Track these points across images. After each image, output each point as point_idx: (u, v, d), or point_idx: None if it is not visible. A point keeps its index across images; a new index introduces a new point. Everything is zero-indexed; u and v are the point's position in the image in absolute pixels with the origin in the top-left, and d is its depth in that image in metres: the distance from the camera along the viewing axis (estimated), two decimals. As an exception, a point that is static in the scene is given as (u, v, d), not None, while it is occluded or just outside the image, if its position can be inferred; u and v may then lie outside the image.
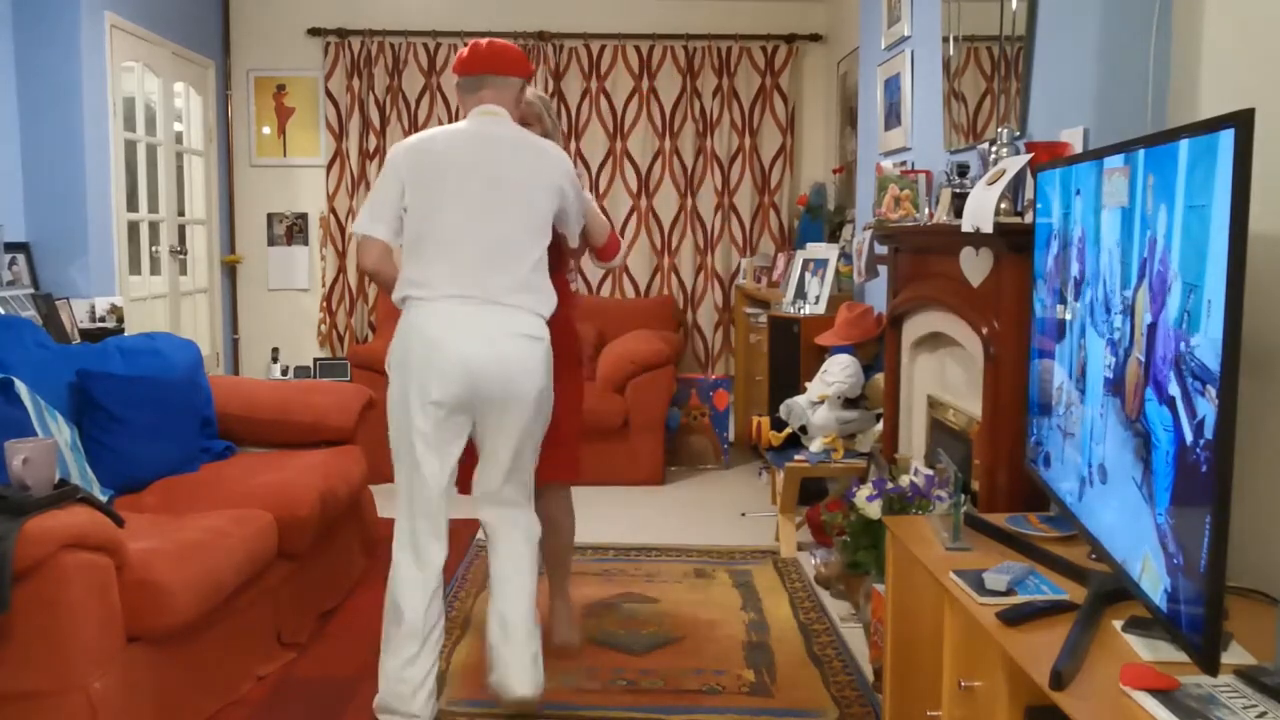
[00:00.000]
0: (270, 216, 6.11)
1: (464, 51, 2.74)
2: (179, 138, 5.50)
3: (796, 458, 3.87)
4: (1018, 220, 2.42)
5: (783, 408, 4.04)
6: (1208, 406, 1.32)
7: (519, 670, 2.60)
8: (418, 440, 2.55)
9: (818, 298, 4.61)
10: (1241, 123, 1.28)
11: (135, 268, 4.99)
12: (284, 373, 5.81)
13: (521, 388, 2.53)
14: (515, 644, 2.61)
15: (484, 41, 2.75)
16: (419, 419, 2.52)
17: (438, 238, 2.54)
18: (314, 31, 5.95)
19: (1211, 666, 1.32)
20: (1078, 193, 1.91)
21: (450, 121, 5.92)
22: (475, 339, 2.49)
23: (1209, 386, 1.32)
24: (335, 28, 5.92)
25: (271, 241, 6.13)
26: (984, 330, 2.61)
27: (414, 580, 2.59)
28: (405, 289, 2.55)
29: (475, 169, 2.58)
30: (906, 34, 4.00)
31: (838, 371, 3.95)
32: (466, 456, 2.73)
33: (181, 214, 5.49)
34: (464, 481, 2.84)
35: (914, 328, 3.31)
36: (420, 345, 2.49)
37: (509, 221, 2.57)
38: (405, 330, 2.53)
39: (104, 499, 2.73)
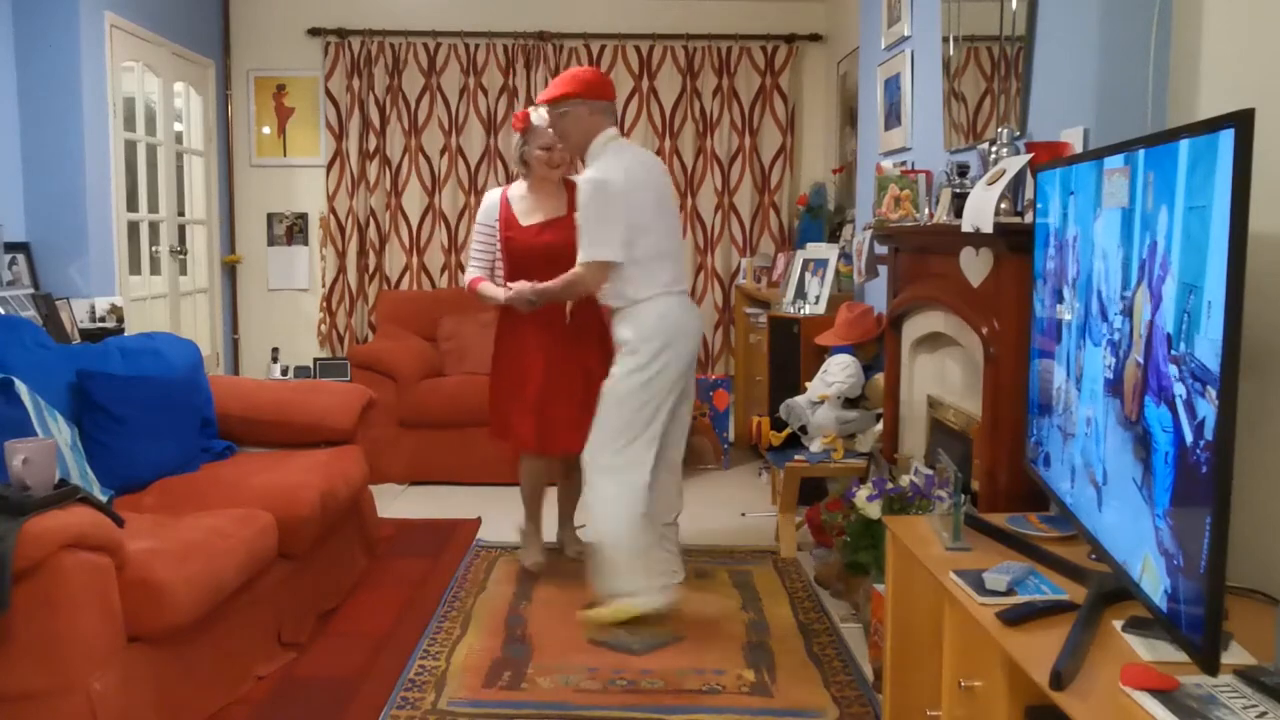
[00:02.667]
0: (270, 216, 6.11)
1: (593, 76, 3.38)
2: (179, 138, 5.50)
3: (796, 458, 3.87)
4: (1018, 220, 2.42)
5: (783, 408, 4.04)
6: (1208, 407, 1.32)
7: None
8: (668, 400, 3.28)
9: (818, 298, 4.61)
10: (1241, 123, 1.28)
11: (135, 268, 4.99)
12: (284, 373, 5.81)
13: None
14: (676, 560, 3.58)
15: (596, 70, 3.47)
16: (673, 382, 3.27)
17: (661, 248, 3.31)
18: (314, 31, 5.95)
19: (1211, 666, 1.32)
20: (1074, 193, 1.91)
21: (450, 122, 5.95)
22: (697, 321, 3.45)
23: (1209, 387, 1.32)
24: (335, 28, 5.92)
25: (271, 241, 6.13)
26: (984, 330, 2.61)
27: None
28: (651, 288, 3.25)
29: (664, 190, 3.45)
30: (906, 34, 4.00)
31: (838, 371, 3.95)
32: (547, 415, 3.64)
33: (181, 214, 5.50)
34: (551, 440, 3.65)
35: (914, 328, 3.31)
36: (676, 328, 3.27)
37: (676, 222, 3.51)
38: (669, 315, 3.27)
39: (104, 499, 2.73)
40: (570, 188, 3.66)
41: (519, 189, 3.76)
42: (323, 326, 6.04)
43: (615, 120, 3.37)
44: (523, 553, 3.85)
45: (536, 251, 3.62)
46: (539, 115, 3.63)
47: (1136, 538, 1.56)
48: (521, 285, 3.47)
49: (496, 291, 3.63)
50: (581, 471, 3.41)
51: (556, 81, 3.36)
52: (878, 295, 4.08)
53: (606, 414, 3.24)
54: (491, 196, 3.78)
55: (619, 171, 3.20)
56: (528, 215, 3.69)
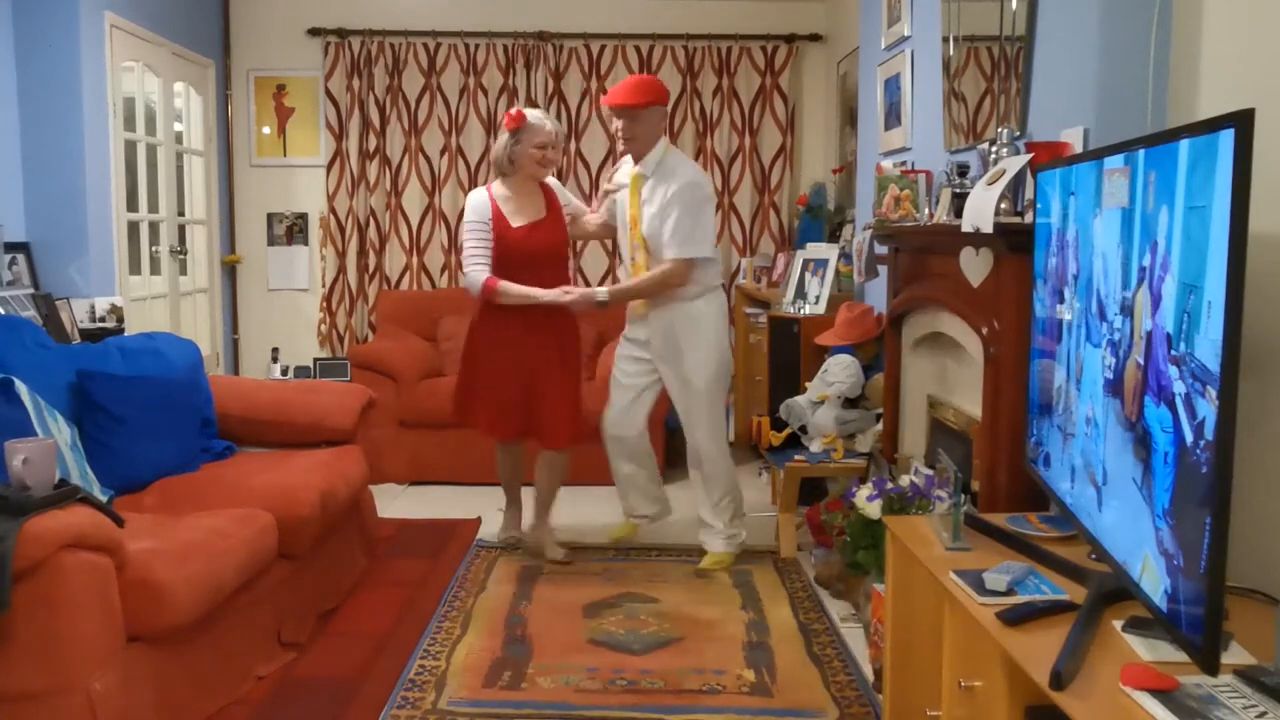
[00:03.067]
0: (270, 216, 6.11)
1: (659, 83, 3.72)
2: (179, 138, 5.50)
3: (796, 458, 3.87)
4: (1018, 220, 2.42)
5: (783, 408, 4.04)
6: (1208, 407, 1.32)
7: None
8: None
9: (818, 298, 4.61)
10: (1241, 123, 1.28)
11: (135, 268, 4.99)
12: (284, 373, 5.81)
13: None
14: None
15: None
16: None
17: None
18: (314, 31, 5.94)
19: (1211, 666, 1.32)
20: (1074, 193, 1.91)
21: (450, 122, 5.94)
22: None
23: (1209, 387, 1.32)
24: (335, 28, 5.92)
25: (271, 241, 6.13)
26: (984, 330, 2.61)
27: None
28: (717, 279, 3.81)
29: None
30: (906, 34, 4.00)
31: (838, 371, 3.95)
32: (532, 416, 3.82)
33: (181, 214, 5.49)
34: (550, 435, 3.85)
35: (914, 328, 3.31)
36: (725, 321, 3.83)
37: None
38: (723, 309, 3.80)
39: (104, 499, 2.73)
40: (546, 190, 3.81)
41: (501, 189, 3.76)
42: (323, 326, 6.04)
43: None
44: (502, 527, 4.11)
45: (525, 253, 3.68)
46: (536, 115, 3.69)
47: (1136, 538, 1.56)
48: (585, 290, 3.69)
49: (534, 291, 3.65)
50: (558, 462, 3.87)
51: (636, 87, 3.61)
52: (878, 295, 4.08)
53: (711, 403, 3.75)
54: (480, 195, 3.77)
55: (703, 175, 3.72)
56: (515, 216, 3.72)
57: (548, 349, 3.75)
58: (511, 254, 3.68)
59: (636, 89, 3.60)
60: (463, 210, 3.92)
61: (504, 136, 3.72)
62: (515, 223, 3.70)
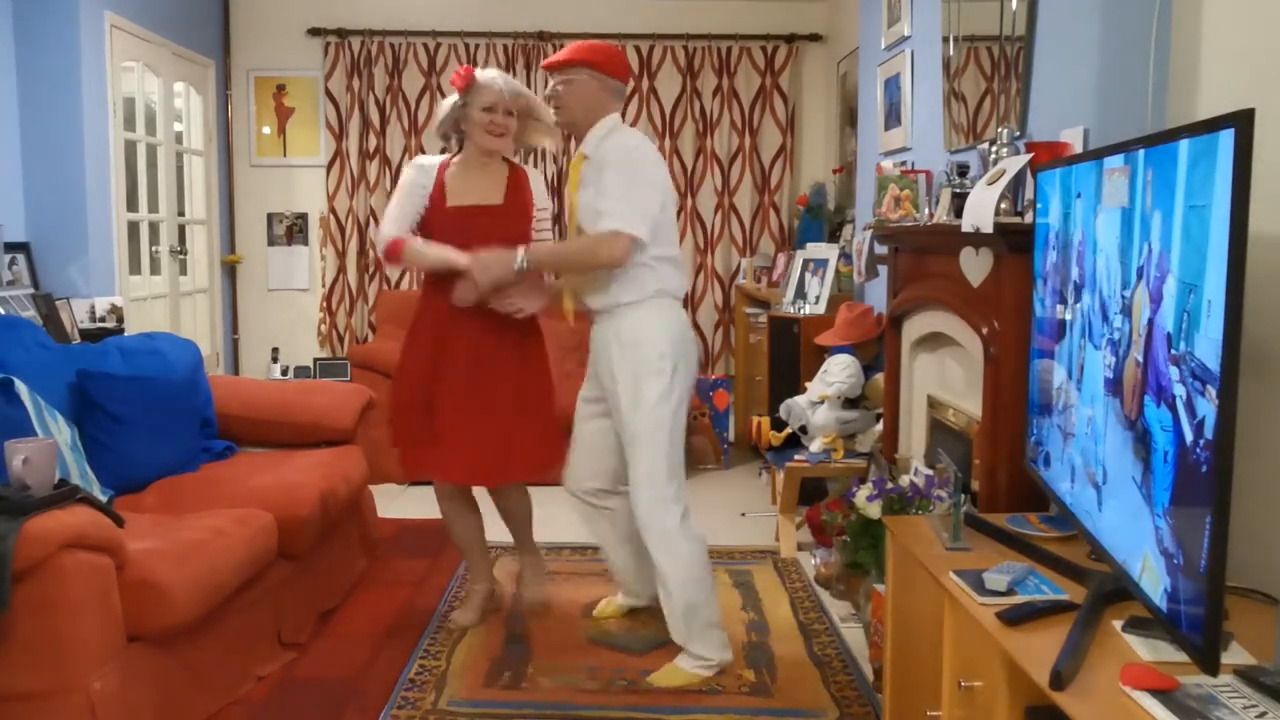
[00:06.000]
0: (270, 216, 6.11)
1: (614, 52, 2.91)
2: (179, 138, 5.50)
3: (796, 458, 3.87)
4: (1018, 220, 2.42)
5: (783, 408, 4.04)
6: (1208, 407, 1.32)
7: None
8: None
9: (818, 298, 4.61)
10: (1241, 123, 1.28)
11: (135, 268, 4.99)
12: (284, 373, 5.81)
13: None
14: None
15: (617, 48, 2.96)
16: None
17: (674, 240, 2.93)
18: (314, 31, 5.95)
19: (1211, 666, 1.32)
20: (1078, 194, 1.91)
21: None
22: None
23: (1209, 387, 1.32)
24: (335, 28, 5.92)
25: (271, 241, 6.13)
26: (984, 330, 2.61)
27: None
28: (672, 285, 2.87)
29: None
30: (906, 34, 4.00)
31: (838, 371, 3.95)
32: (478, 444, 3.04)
33: (181, 214, 5.49)
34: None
35: (914, 328, 3.31)
36: (689, 336, 2.92)
37: None
38: (678, 324, 2.87)
39: (104, 499, 2.73)
40: (515, 174, 3.10)
41: (455, 168, 3.09)
42: (323, 326, 6.04)
43: (621, 107, 2.96)
44: (460, 612, 3.28)
45: (458, 242, 2.92)
46: (486, 75, 3.02)
47: (1136, 537, 1.56)
48: (487, 254, 2.82)
49: (443, 251, 2.89)
50: (521, 490, 3.22)
51: (568, 47, 2.88)
52: (878, 295, 4.08)
53: (653, 453, 2.78)
54: (430, 159, 3.12)
55: (651, 147, 2.88)
56: (457, 195, 3.02)
57: (502, 360, 3.03)
58: (439, 239, 2.96)
59: (566, 49, 2.87)
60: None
61: (450, 99, 3.08)
62: (454, 201, 3.00)
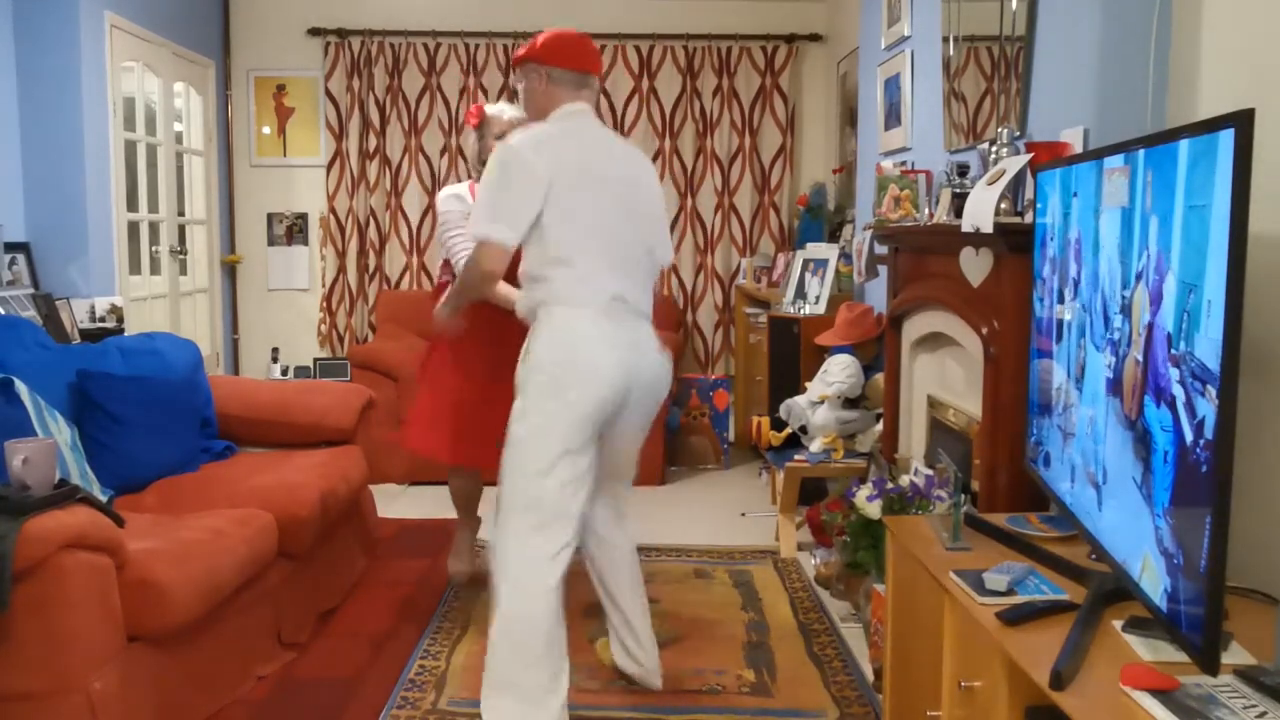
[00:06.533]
0: (270, 216, 6.11)
1: (562, 40, 2.64)
2: (179, 138, 5.50)
3: (796, 458, 3.87)
4: (1018, 220, 2.42)
5: (783, 408, 4.04)
6: (1208, 407, 1.32)
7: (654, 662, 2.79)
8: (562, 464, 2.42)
9: (818, 298, 4.61)
10: (1241, 123, 1.28)
11: (135, 268, 4.99)
12: (284, 373, 5.81)
13: (659, 398, 2.64)
14: (650, 651, 2.79)
15: (572, 33, 2.64)
16: (575, 430, 2.40)
17: (586, 246, 2.47)
18: (314, 31, 5.95)
19: (1211, 666, 1.32)
20: (1078, 194, 1.91)
21: (450, 122, 5.94)
22: (629, 349, 2.49)
23: (1209, 387, 1.32)
24: (335, 28, 5.92)
25: (271, 241, 6.13)
26: (984, 330, 2.61)
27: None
28: (551, 296, 2.45)
29: (616, 175, 2.55)
30: (906, 34, 4.00)
31: (838, 371, 3.95)
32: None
33: (181, 214, 5.50)
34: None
35: (914, 328, 3.31)
36: (581, 354, 2.42)
37: (645, 230, 2.59)
38: (562, 338, 2.43)
39: (104, 499, 2.73)
40: None
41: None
42: (323, 326, 6.04)
43: (588, 95, 2.65)
44: (451, 559, 3.62)
45: None
46: (495, 107, 3.39)
47: (1136, 537, 1.56)
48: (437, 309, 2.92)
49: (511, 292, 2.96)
50: None
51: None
52: (878, 295, 4.08)
53: (509, 491, 2.43)
54: (460, 187, 3.40)
55: (541, 140, 2.51)
56: None
57: (508, 359, 3.11)
58: None
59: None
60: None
61: (471, 135, 3.44)
62: None
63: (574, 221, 2.46)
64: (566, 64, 2.62)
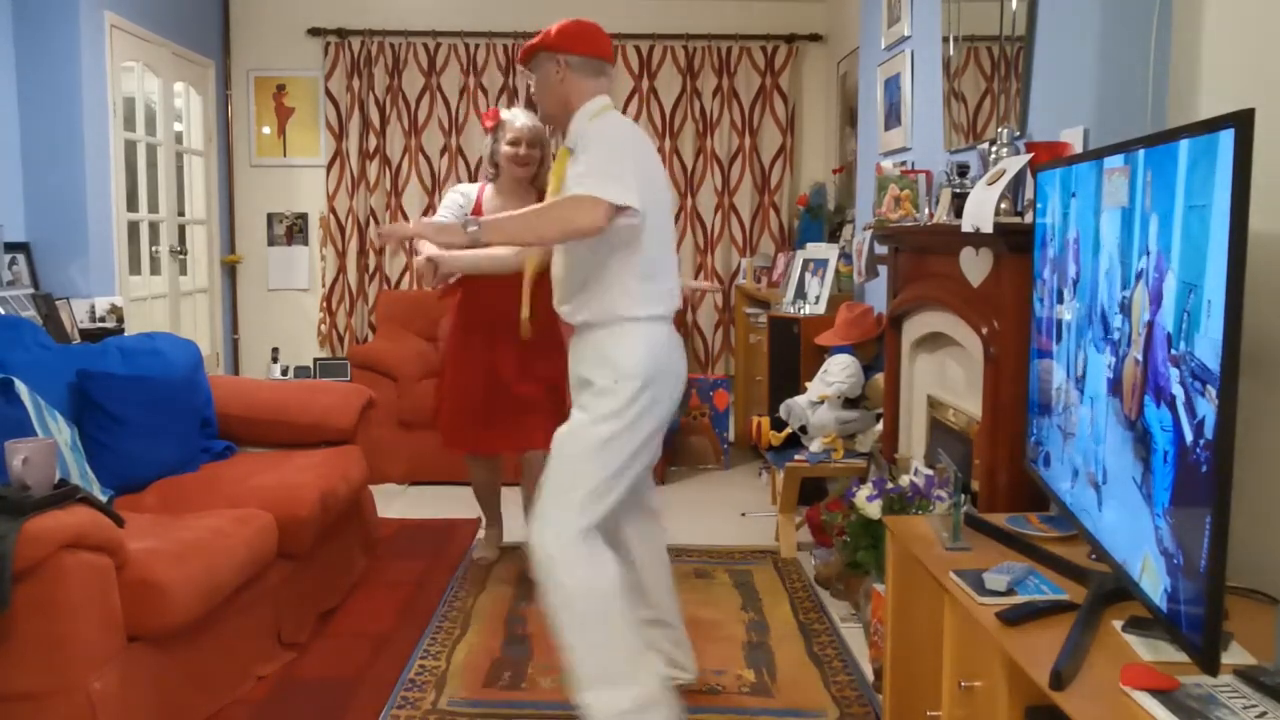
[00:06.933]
0: (270, 216, 6.11)
1: (578, 26, 2.55)
2: (179, 138, 5.50)
3: (796, 458, 3.87)
4: (1018, 220, 2.42)
5: (783, 408, 4.04)
6: (1207, 407, 1.32)
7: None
8: (636, 463, 2.49)
9: (818, 298, 4.61)
10: (1241, 123, 1.28)
11: (135, 268, 4.99)
12: (284, 373, 5.81)
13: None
14: (688, 649, 2.78)
15: (587, 21, 2.59)
16: (649, 436, 2.49)
17: (664, 254, 2.50)
18: (314, 31, 5.95)
19: (1211, 666, 1.32)
20: (1077, 194, 1.91)
21: (450, 122, 5.94)
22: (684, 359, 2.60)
23: (1209, 386, 1.32)
24: (335, 28, 5.92)
25: (271, 241, 6.13)
26: (984, 330, 2.61)
27: None
28: (649, 306, 2.44)
29: (669, 191, 2.61)
30: (906, 34, 4.00)
31: (838, 371, 3.95)
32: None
33: (181, 214, 5.50)
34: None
35: (914, 328, 3.31)
36: (666, 365, 2.48)
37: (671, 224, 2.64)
38: (653, 347, 2.44)
39: (104, 499, 2.73)
40: (542, 199, 2.96)
41: (491, 192, 3.60)
42: (323, 326, 6.04)
43: (605, 84, 2.56)
44: (480, 546, 3.94)
45: None
46: (510, 113, 3.50)
47: (1136, 537, 1.56)
48: (444, 221, 2.95)
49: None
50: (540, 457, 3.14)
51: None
52: (878, 295, 4.08)
53: (565, 472, 2.40)
54: (471, 186, 3.66)
55: (633, 130, 2.52)
56: (491, 215, 2.87)
57: (511, 343, 3.38)
58: None
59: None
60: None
61: (487, 139, 3.59)
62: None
63: (657, 227, 2.46)
64: (584, 50, 2.53)
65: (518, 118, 3.50)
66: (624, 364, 2.41)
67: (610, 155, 2.35)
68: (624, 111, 5.90)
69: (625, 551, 2.62)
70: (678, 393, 2.54)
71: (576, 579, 2.33)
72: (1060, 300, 2.02)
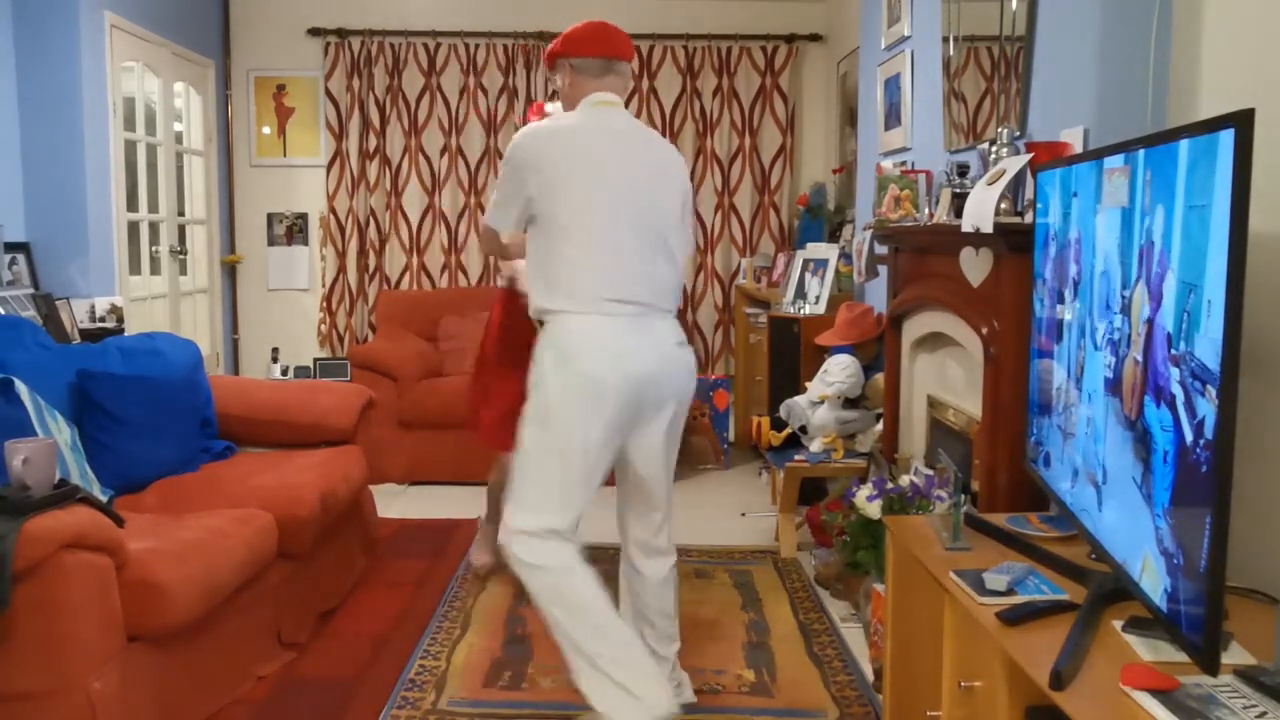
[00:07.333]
0: (270, 216, 6.11)
1: (583, 29, 2.60)
2: (179, 138, 5.50)
3: (796, 458, 3.87)
4: (1018, 220, 2.42)
5: (783, 408, 4.04)
6: (1208, 406, 1.32)
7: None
8: (593, 470, 2.45)
9: (818, 298, 4.61)
10: (1241, 123, 1.28)
11: (135, 268, 4.99)
12: (284, 373, 5.81)
13: (682, 397, 2.52)
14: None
15: (596, 23, 2.61)
16: (596, 446, 2.40)
17: (592, 242, 2.41)
18: (314, 31, 5.95)
19: (1211, 666, 1.32)
20: (1077, 194, 1.91)
21: (450, 122, 5.94)
22: (647, 347, 2.43)
23: (1209, 386, 1.32)
24: (335, 28, 5.92)
25: (271, 241, 6.13)
26: (984, 330, 2.61)
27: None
28: (573, 300, 2.39)
29: (633, 166, 2.48)
30: (906, 34, 4.00)
31: (838, 371, 3.95)
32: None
33: (181, 214, 5.50)
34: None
35: (914, 328, 3.31)
36: (592, 355, 2.37)
37: (661, 223, 2.50)
38: (563, 363, 2.37)
39: (104, 499, 2.73)
40: None
41: None
42: (323, 326, 6.04)
43: (613, 81, 2.59)
44: (474, 550, 3.75)
45: None
46: (554, 105, 3.44)
47: (1136, 537, 1.56)
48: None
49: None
50: None
51: None
52: (878, 295, 4.08)
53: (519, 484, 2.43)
54: None
55: (553, 127, 2.51)
56: None
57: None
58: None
59: None
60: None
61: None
62: None
63: (580, 215, 2.41)
64: (587, 51, 2.57)
65: (558, 110, 3.50)
66: (536, 362, 2.43)
67: (500, 177, 2.51)
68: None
69: (629, 567, 2.65)
70: (613, 396, 2.36)
71: (525, 576, 2.37)
72: (1060, 300, 2.02)
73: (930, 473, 2.83)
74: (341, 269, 6.01)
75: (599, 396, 2.35)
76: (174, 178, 5.37)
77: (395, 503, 4.67)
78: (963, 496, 2.14)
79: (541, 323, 2.48)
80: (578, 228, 2.40)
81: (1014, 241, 2.43)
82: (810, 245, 4.98)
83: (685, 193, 2.60)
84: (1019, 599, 1.73)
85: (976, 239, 2.61)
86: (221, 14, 5.93)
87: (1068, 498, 1.95)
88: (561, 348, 2.38)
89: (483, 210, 5.83)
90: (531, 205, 2.43)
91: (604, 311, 2.39)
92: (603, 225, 2.42)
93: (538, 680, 2.84)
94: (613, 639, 2.37)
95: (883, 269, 3.75)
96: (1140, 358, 1.55)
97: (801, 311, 4.60)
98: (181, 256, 5.45)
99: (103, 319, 4.37)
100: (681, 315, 6.02)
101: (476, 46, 5.92)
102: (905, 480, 2.94)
